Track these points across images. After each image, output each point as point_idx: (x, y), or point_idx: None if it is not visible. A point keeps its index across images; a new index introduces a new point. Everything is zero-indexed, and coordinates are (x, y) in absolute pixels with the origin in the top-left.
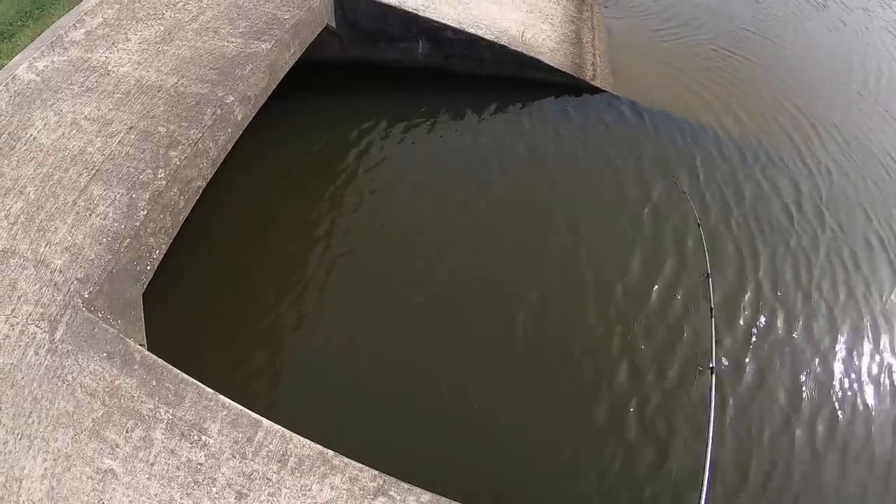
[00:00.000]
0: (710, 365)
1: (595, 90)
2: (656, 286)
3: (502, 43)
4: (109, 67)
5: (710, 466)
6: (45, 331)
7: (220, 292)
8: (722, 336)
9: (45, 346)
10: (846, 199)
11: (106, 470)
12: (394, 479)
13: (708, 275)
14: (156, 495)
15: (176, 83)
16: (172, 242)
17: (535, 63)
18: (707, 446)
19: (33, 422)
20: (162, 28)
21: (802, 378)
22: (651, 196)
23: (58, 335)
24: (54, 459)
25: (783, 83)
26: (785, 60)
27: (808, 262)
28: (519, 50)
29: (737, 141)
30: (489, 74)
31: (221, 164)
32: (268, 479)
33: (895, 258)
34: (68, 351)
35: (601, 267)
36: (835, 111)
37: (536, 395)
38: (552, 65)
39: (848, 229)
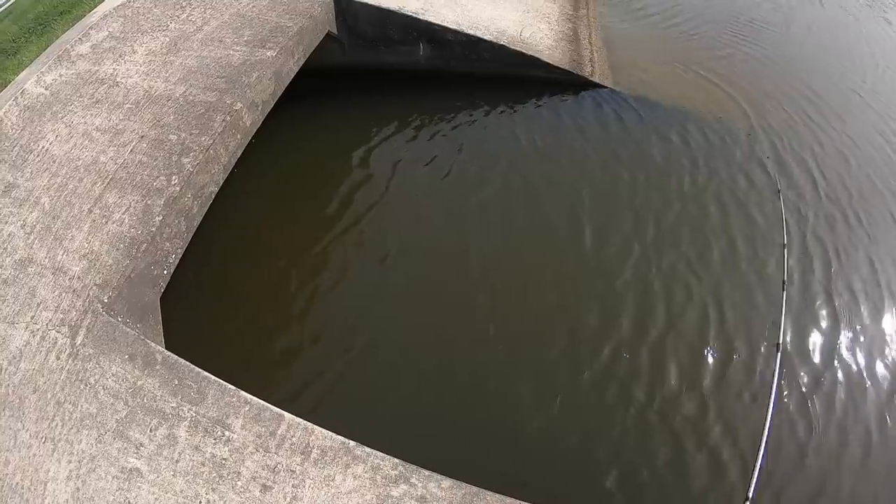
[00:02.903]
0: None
1: (594, 85)
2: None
3: (501, 43)
4: (118, 79)
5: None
6: (65, 336)
7: (237, 294)
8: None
9: (67, 351)
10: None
11: (131, 469)
12: (415, 467)
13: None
14: (181, 491)
15: (185, 92)
16: (188, 247)
17: (534, 61)
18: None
19: (57, 425)
20: (167, 39)
21: None
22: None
23: (79, 339)
24: (79, 461)
25: (779, 76)
26: (784, 53)
27: None
28: (518, 49)
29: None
30: (490, 74)
31: (232, 169)
32: (292, 471)
33: None
34: (90, 354)
35: None
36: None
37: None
38: (551, 62)
39: None
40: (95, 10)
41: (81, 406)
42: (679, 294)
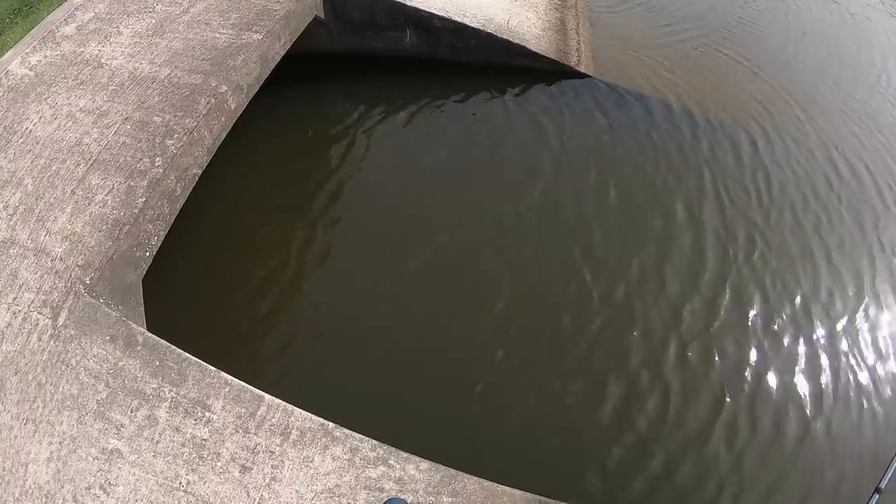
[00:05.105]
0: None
1: (580, 75)
2: None
3: (489, 31)
4: (103, 60)
5: None
6: (47, 317)
7: (218, 276)
8: None
9: (48, 332)
10: None
11: (112, 450)
12: (393, 449)
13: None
14: (161, 472)
15: (169, 74)
16: (170, 230)
17: (521, 50)
18: None
19: (38, 406)
20: (153, 21)
21: None
22: None
23: (60, 321)
24: (60, 442)
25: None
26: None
27: None
28: (505, 37)
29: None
30: (476, 62)
31: (216, 152)
32: (271, 451)
33: None
34: (71, 336)
35: None
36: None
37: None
38: (537, 51)
39: None
40: None
41: (63, 387)
42: None
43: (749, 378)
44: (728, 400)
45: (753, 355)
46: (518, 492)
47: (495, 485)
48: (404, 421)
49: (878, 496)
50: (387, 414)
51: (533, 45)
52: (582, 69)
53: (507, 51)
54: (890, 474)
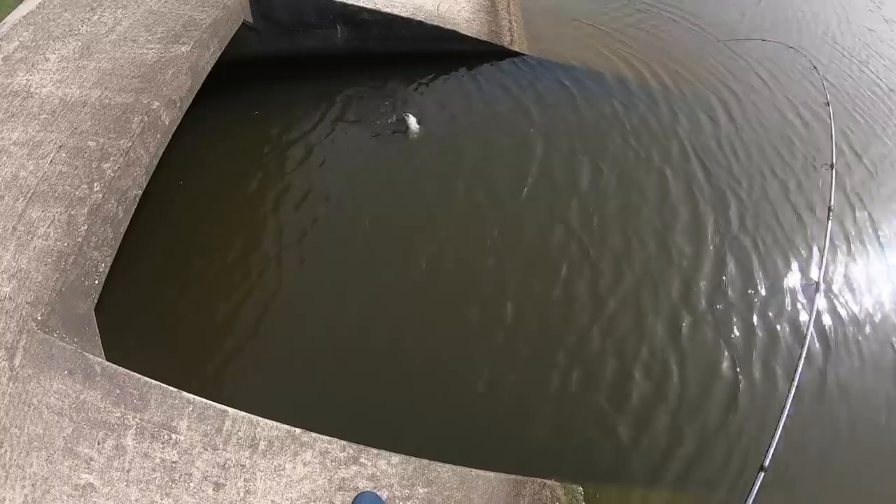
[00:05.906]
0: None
1: (514, 54)
2: None
3: (419, 19)
4: (32, 90)
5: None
6: (3, 359)
7: (172, 294)
8: None
9: (6, 375)
10: None
11: (84, 485)
12: (363, 447)
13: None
14: (136, 500)
15: (100, 96)
16: (117, 254)
17: (452, 35)
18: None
19: (6, 451)
20: (79, 44)
21: None
22: None
23: (17, 361)
24: (32, 484)
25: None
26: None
27: None
28: (435, 24)
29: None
30: (409, 52)
31: (156, 170)
32: (242, 465)
33: None
34: (29, 375)
35: None
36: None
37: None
38: (469, 34)
39: None
40: (5, 20)
41: (28, 428)
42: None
43: (749, 342)
44: (727, 366)
45: (755, 321)
46: (492, 474)
47: (469, 469)
48: (387, 419)
49: (762, 474)
50: (353, 414)
51: (464, 29)
52: (515, 48)
53: (438, 37)
54: (772, 452)
